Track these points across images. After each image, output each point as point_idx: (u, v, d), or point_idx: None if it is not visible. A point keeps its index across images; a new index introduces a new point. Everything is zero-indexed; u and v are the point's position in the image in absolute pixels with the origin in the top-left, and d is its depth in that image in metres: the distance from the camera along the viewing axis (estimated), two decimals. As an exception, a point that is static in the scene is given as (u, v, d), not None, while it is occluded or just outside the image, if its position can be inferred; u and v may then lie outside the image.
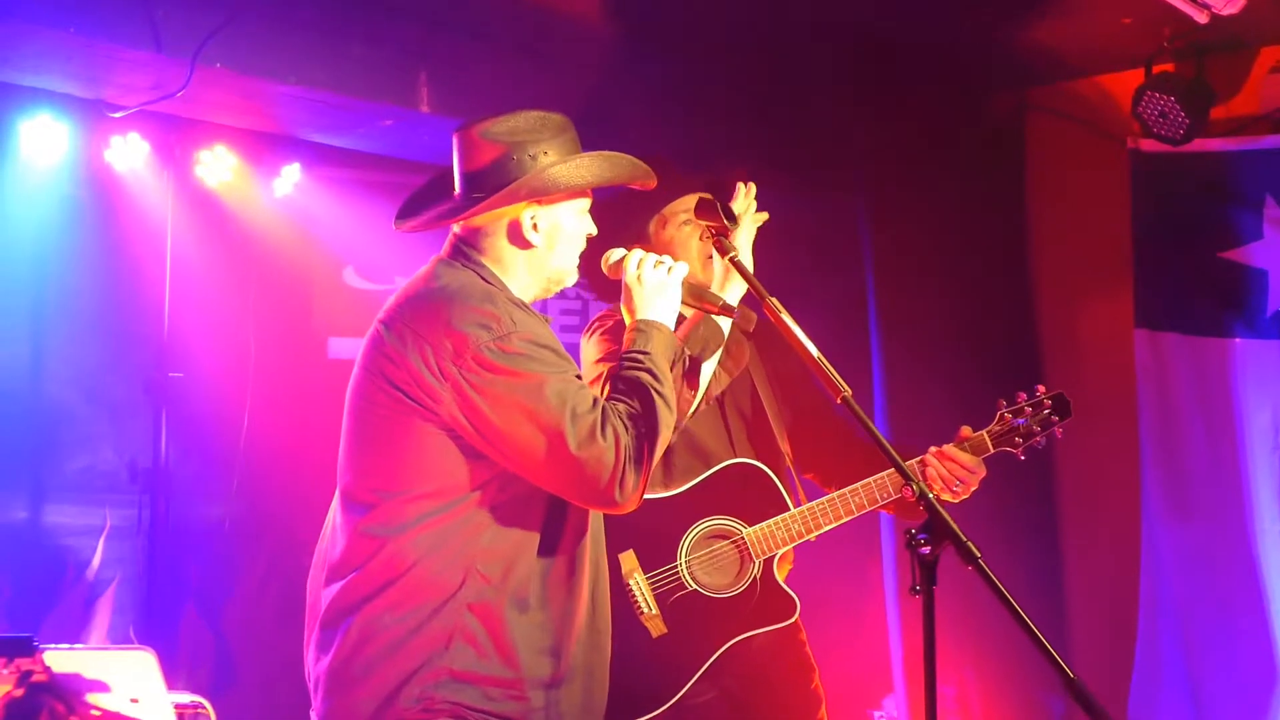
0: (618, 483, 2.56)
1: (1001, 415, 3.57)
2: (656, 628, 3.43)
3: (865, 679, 5.60)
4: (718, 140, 5.23)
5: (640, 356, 2.74)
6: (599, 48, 4.92)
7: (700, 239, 3.59)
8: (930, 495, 2.48)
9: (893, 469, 3.46)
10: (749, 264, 3.24)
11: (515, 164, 2.70)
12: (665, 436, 2.68)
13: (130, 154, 5.07)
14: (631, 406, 2.65)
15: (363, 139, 5.01)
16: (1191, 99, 4.79)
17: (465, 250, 2.77)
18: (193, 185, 5.29)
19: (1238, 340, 4.94)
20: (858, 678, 5.62)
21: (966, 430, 3.57)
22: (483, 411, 2.56)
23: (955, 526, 2.41)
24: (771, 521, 3.51)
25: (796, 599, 3.54)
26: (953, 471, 3.50)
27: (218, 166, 5.27)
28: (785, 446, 3.72)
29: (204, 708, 2.68)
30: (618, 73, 4.96)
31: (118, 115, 4.61)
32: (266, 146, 5.33)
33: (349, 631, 2.61)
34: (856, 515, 3.55)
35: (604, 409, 2.60)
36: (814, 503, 3.54)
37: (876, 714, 5.49)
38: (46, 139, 4.86)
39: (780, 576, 3.62)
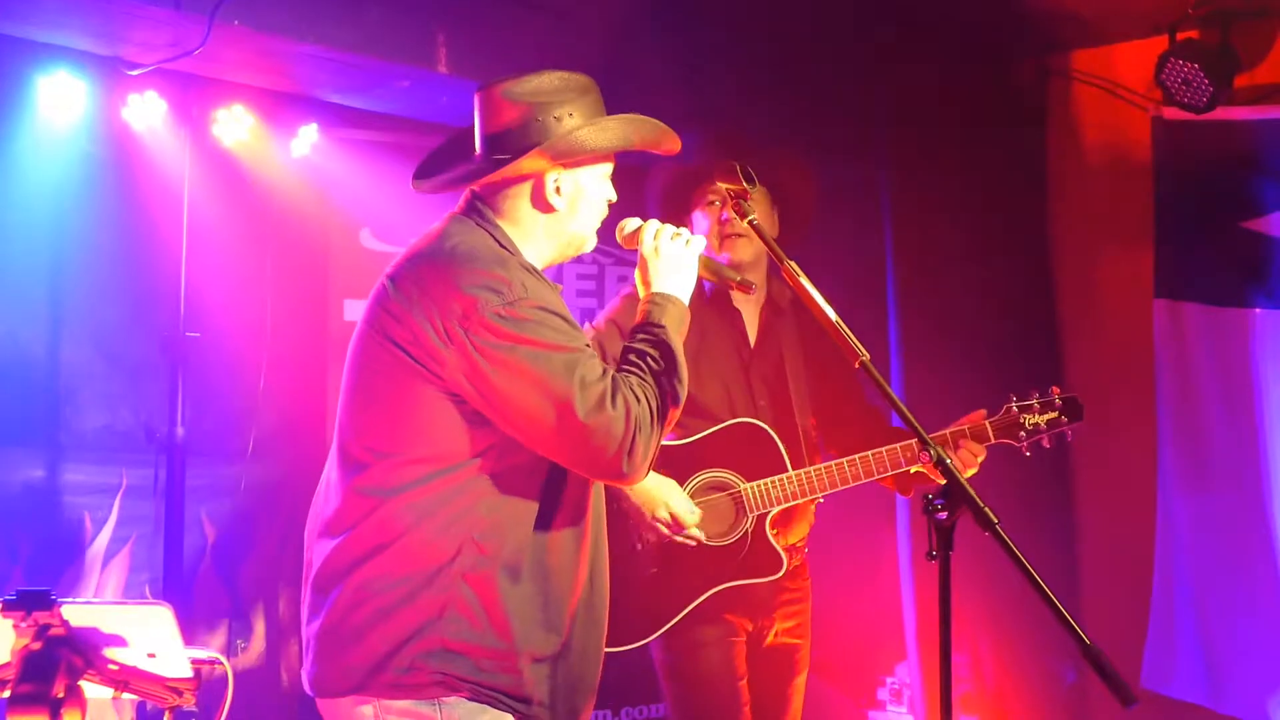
0: (626, 453, 2.53)
1: (1008, 408, 3.64)
2: (652, 564, 3.62)
3: (878, 646, 5.62)
4: (738, 105, 5.21)
5: (655, 329, 2.71)
6: (619, 9, 4.89)
7: (720, 202, 3.69)
8: (948, 460, 2.48)
9: (897, 444, 3.60)
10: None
11: (539, 125, 2.67)
12: (675, 410, 2.67)
13: (148, 112, 5.06)
14: (643, 378, 2.62)
15: (380, 99, 5.00)
16: (1216, 66, 4.74)
17: (481, 209, 2.73)
18: (210, 144, 5.28)
19: (1258, 310, 4.90)
20: (870, 644, 5.63)
21: (974, 416, 3.65)
22: (488, 377, 2.52)
23: (973, 492, 2.41)
24: (769, 480, 3.64)
25: (784, 556, 3.66)
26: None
27: (235, 126, 5.25)
28: (802, 420, 3.82)
29: (221, 664, 2.68)
30: (638, 35, 4.93)
31: (135, 73, 4.61)
32: (284, 106, 5.31)
33: (340, 595, 2.59)
34: (852, 485, 3.65)
35: (614, 378, 2.56)
36: (813, 467, 3.65)
37: (889, 680, 5.51)
38: (64, 96, 4.84)
39: (786, 536, 3.74)
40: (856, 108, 5.40)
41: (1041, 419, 3.60)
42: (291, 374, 5.50)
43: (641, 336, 2.71)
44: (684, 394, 2.70)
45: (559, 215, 2.74)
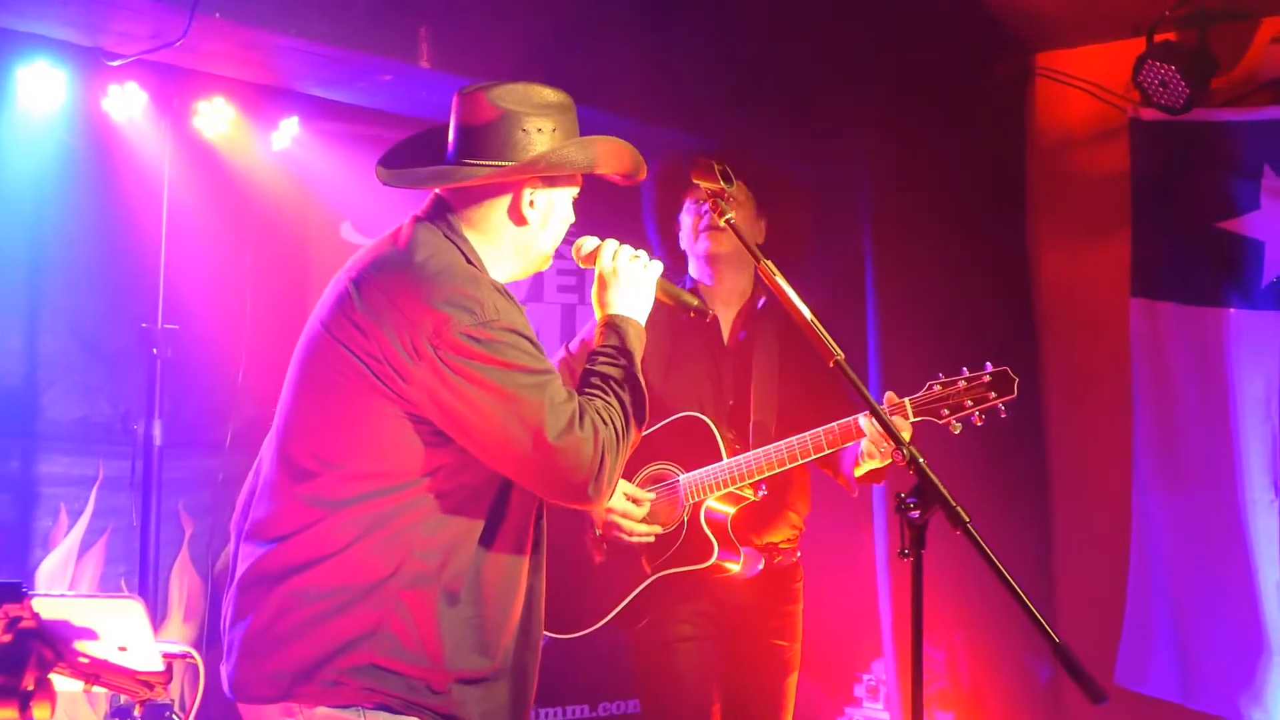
0: (594, 476, 2.54)
1: (931, 385, 3.47)
2: (601, 553, 3.74)
3: (854, 642, 5.63)
4: (719, 100, 5.21)
5: (612, 352, 2.72)
6: (601, 8, 4.89)
7: (697, 202, 3.71)
8: (921, 460, 2.49)
9: (820, 428, 3.56)
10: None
11: (522, 135, 2.65)
12: (635, 433, 2.68)
13: (128, 103, 5.03)
14: (607, 401, 2.64)
15: (362, 93, 4.98)
16: (1192, 68, 4.78)
17: (449, 217, 2.71)
18: (190, 136, 5.26)
19: (1233, 310, 4.94)
20: (847, 641, 5.65)
21: (890, 396, 3.51)
22: (458, 396, 2.51)
23: (945, 491, 2.42)
24: (704, 469, 3.68)
25: (715, 543, 3.66)
26: (878, 432, 3.44)
27: (215, 118, 5.23)
28: (759, 415, 3.80)
29: (193, 658, 2.68)
30: (619, 31, 4.93)
31: (116, 64, 4.58)
32: (265, 99, 5.29)
33: (269, 601, 2.56)
34: (779, 470, 3.61)
35: (581, 402, 2.58)
36: (745, 454, 3.66)
37: (865, 677, 5.53)
38: (44, 87, 4.82)
39: (762, 536, 3.78)
40: (839, 104, 5.41)
41: (966, 394, 3.38)
42: (270, 366, 5.45)
43: (602, 359, 2.72)
44: (644, 417, 2.72)
45: (530, 230, 2.73)
